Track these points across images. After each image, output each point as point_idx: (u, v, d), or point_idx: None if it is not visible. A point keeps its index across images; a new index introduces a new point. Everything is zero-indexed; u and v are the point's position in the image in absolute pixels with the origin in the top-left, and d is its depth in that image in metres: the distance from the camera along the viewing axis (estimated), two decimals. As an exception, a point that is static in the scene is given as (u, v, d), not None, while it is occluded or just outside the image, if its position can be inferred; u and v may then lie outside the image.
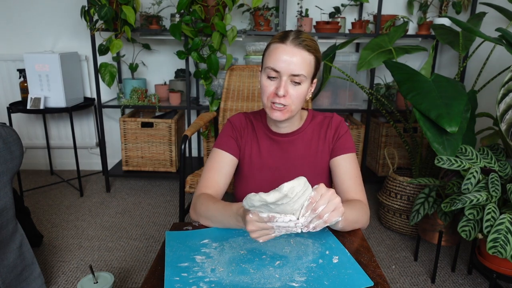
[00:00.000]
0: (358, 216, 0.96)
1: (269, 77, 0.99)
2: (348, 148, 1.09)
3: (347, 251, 0.87)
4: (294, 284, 0.74)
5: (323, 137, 1.11)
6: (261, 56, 2.46)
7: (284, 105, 0.99)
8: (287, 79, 0.97)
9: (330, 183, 1.15)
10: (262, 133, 1.13)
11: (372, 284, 0.76)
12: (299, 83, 0.98)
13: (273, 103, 0.99)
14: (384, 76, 2.77)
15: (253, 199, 0.72)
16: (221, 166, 1.10)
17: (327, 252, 0.86)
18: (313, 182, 1.11)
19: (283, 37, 0.97)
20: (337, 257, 0.84)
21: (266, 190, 1.10)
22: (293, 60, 0.95)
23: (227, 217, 0.92)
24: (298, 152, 1.11)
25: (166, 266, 0.80)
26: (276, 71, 0.97)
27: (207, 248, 0.87)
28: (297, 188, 0.72)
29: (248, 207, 0.75)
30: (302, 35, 0.98)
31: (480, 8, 2.36)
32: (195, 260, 0.82)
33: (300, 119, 1.12)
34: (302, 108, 1.14)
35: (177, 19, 2.35)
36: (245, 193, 1.14)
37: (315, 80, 1.05)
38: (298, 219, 0.75)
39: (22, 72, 2.46)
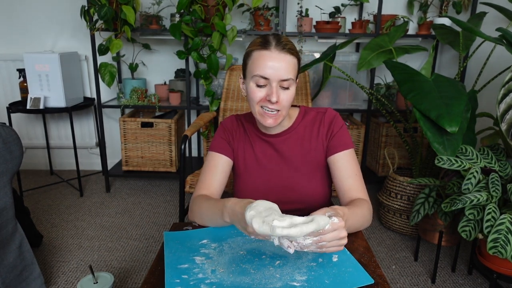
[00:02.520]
0: (362, 221, 0.96)
1: (258, 85, 0.99)
2: (345, 145, 1.07)
3: (346, 249, 0.87)
4: (295, 284, 0.74)
5: (316, 134, 1.10)
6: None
7: (276, 111, 0.99)
8: (276, 85, 0.97)
9: (327, 181, 1.14)
10: (254, 134, 1.13)
11: (372, 281, 0.76)
12: (287, 88, 0.98)
13: (263, 108, 0.99)
14: (384, 76, 2.77)
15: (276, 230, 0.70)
16: (215, 168, 1.10)
17: (327, 252, 0.86)
18: (308, 180, 1.12)
19: (265, 43, 0.97)
20: (336, 255, 0.84)
21: (262, 189, 1.11)
22: (281, 65, 0.96)
23: (215, 213, 0.93)
24: (291, 151, 1.10)
25: (166, 268, 0.80)
26: (265, 78, 0.97)
27: (206, 248, 0.87)
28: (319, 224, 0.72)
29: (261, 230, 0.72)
30: (283, 39, 0.99)
31: (480, 8, 2.36)
32: (194, 261, 0.82)
33: (289, 118, 1.11)
34: (292, 105, 1.14)
35: (177, 19, 2.35)
36: (243, 193, 1.14)
37: (297, 80, 1.05)
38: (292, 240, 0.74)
39: (22, 72, 2.46)
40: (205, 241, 0.91)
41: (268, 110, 0.99)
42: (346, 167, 1.05)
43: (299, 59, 1.02)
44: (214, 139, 1.15)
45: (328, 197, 1.17)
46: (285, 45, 0.97)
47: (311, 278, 0.76)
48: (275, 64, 0.95)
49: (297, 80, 1.04)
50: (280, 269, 0.79)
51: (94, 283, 1.21)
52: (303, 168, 1.10)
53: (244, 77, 1.04)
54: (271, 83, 0.97)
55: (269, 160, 1.11)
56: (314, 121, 1.11)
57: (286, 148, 1.10)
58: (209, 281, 0.75)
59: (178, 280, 0.75)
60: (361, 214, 0.95)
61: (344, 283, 0.75)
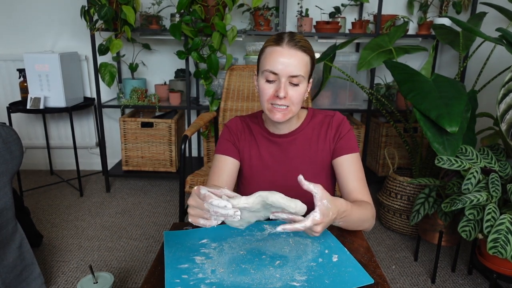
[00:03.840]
0: (362, 221, 0.95)
1: (267, 81, 1.00)
2: (351, 148, 1.08)
3: (346, 249, 0.87)
4: (295, 284, 0.74)
5: (323, 137, 1.10)
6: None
7: (285, 106, 1.00)
8: (286, 80, 0.98)
9: (331, 183, 1.15)
10: (260, 135, 1.13)
11: (372, 281, 0.76)
12: (297, 84, 0.99)
13: (273, 104, 1.00)
14: (384, 76, 2.77)
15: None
16: (222, 170, 1.11)
17: (326, 251, 0.86)
18: (314, 181, 1.12)
19: (278, 39, 0.99)
20: (336, 255, 0.84)
21: (267, 190, 1.10)
22: (290, 61, 0.96)
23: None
24: (297, 152, 1.11)
25: (166, 268, 0.80)
26: (275, 74, 0.98)
27: (206, 248, 0.87)
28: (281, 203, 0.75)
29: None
30: (296, 36, 0.99)
31: (480, 8, 2.36)
32: (194, 261, 0.82)
33: (298, 119, 1.12)
34: (301, 107, 1.15)
35: (177, 19, 2.35)
36: (247, 194, 1.14)
37: (311, 80, 1.06)
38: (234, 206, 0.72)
39: (22, 72, 2.46)
40: (205, 240, 0.91)
41: (277, 106, 1.00)
42: (350, 169, 1.06)
43: (312, 57, 1.02)
44: (219, 142, 1.15)
45: None
46: (298, 42, 0.98)
47: (311, 278, 0.76)
48: (285, 60, 0.96)
49: (310, 80, 1.05)
50: (280, 269, 0.79)
51: (94, 283, 1.21)
52: (309, 169, 1.10)
53: (257, 73, 1.05)
54: (280, 79, 0.97)
55: (275, 160, 1.12)
56: (322, 124, 1.12)
57: (293, 149, 1.11)
58: (209, 281, 0.75)
59: (178, 280, 0.75)
60: (361, 214, 0.95)
61: (344, 283, 0.75)
